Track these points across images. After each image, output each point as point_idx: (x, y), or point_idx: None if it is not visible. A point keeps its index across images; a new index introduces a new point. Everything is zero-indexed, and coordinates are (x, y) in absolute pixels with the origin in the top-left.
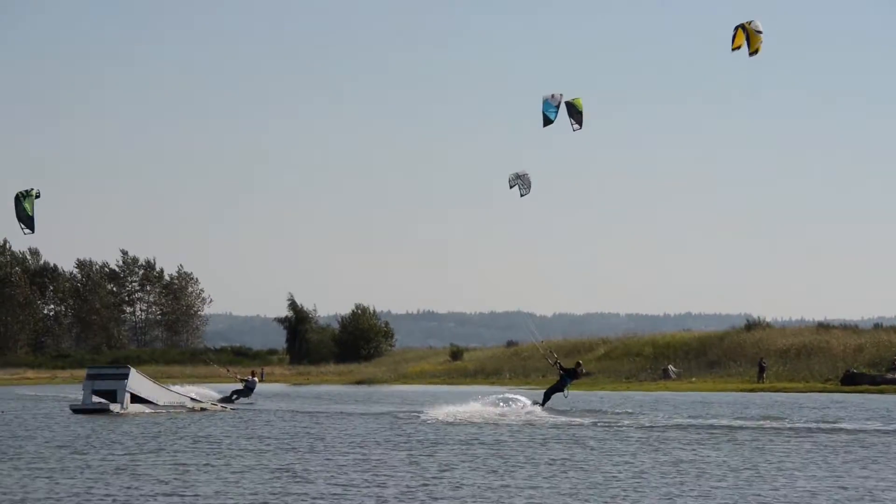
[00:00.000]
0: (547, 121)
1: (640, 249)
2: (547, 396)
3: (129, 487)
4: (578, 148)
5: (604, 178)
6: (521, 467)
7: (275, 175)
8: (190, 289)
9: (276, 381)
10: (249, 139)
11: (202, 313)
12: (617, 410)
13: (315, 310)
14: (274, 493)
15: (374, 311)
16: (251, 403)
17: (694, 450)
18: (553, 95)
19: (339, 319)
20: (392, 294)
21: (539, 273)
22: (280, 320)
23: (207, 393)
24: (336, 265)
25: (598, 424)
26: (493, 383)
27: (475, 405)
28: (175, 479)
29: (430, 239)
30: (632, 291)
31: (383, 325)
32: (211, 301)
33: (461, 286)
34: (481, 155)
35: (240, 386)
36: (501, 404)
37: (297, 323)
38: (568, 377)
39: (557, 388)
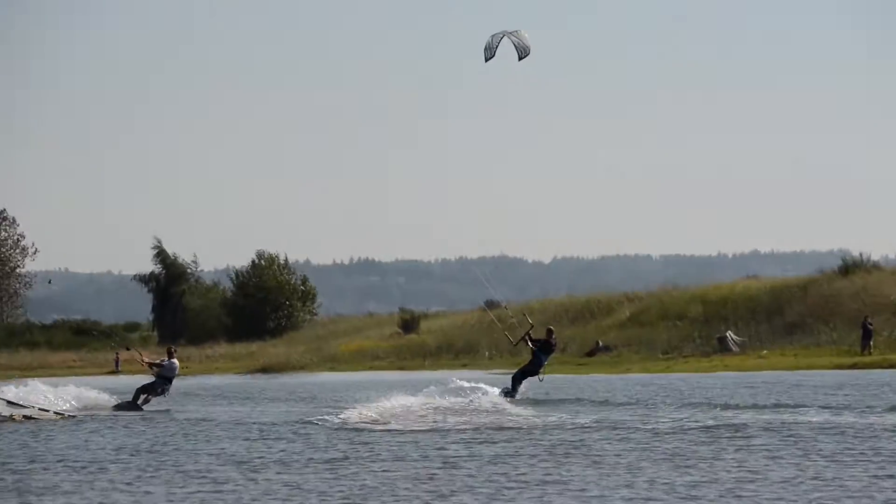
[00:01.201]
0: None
1: (681, 161)
2: (517, 382)
3: None
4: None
5: (622, 58)
6: None
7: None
8: (3, 234)
9: (137, 372)
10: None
11: (23, 271)
12: (645, 400)
13: (196, 262)
14: None
15: (286, 262)
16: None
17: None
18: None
19: (233, 275)
20: (312, 236)
21: (530, 201)
22: (142, 278)
23: (97, 398)
24: (228, 197)
25: (607, 426)
26: (465, 366)
27: (415, 399)
28: None
29: (367, 156)
30: (669, 223)
31: (299, 283)
32: (36, 252)
33: (413, 224)
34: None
35: (149, 378)
36: (453, 396)
37: (169, 282)
38: (543, 353)
39: (530, 370)
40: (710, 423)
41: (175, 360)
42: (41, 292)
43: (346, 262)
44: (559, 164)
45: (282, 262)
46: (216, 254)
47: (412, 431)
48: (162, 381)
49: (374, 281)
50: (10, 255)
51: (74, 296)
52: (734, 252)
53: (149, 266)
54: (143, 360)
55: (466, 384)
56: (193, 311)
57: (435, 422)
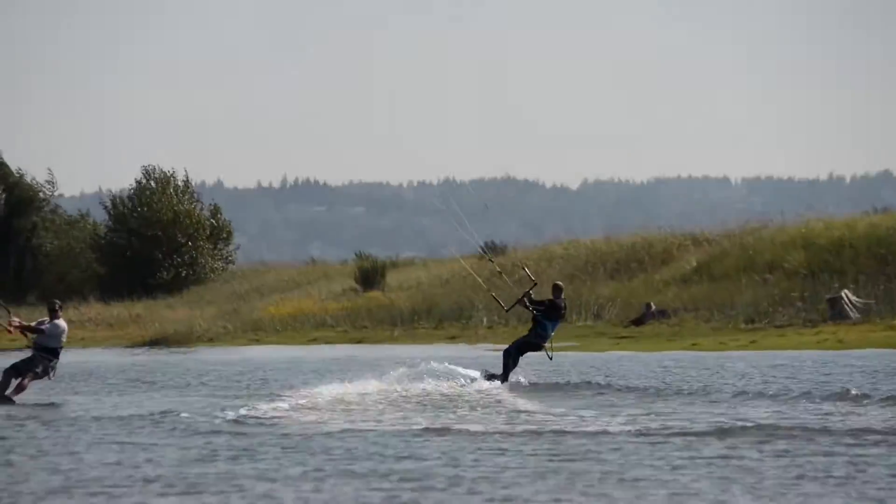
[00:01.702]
0: None
1: (773, 39)
2: (510, 360)
3: None
4: None
5: None
6: None
7: None
8: None
9: None
10: None
11: None
12: (718, 388)
13: (53, 184)
14: None
15: (187, 184)
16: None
17: None
18: None
19: (108, 203)
20: (226, 148)
21: (550, 97)
22: None
23: None
24: (97, 95)
25: (664, 432)
26: (453, 339)
27: (355, 387)
28: None
29: (310, 30)
30: (756, 132)
31: (207, 215)
32: None
33: (377, 131)
34: None
35: (26, 353)
36: (419, 382)
37: (12, 212)
38: (547, 319)
39: (531, 342)
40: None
41: (61, 322)
42: None
43: (278, 184)
44: (592, 39)
45: (181, 183)
46: (83, 172)
47: (344, 432)
48: (43, 356)
49: (318, 213)
50: None
51: None
52: (853, 174)
53: None
54: (10, 325)
55: (439, 365)
56: (49, 255)
57: (379, 421)
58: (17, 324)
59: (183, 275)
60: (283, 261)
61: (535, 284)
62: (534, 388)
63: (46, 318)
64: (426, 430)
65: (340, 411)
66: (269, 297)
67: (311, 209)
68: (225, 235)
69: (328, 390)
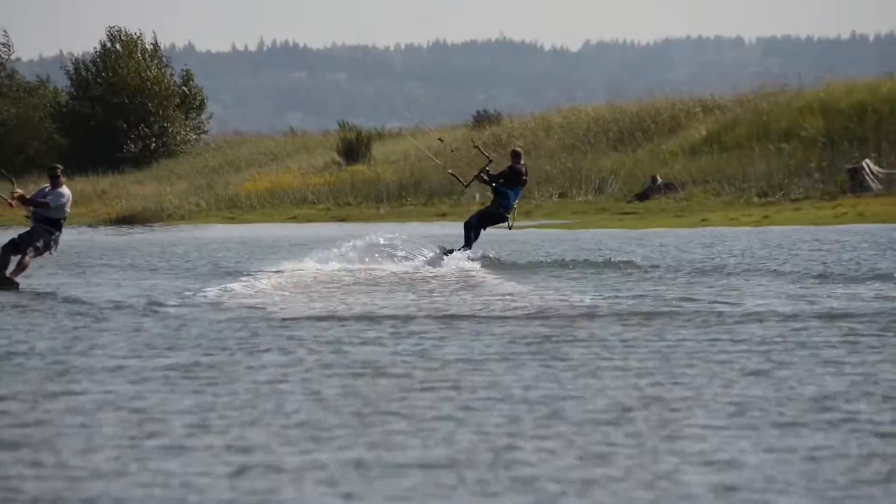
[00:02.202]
0: None
1: None
2: (472, 233)
3: None
4: None
5: None
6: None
7: None
8: None
9: None
10: None
11: None
12: (722, 264)
13: (7, 46)
14: None
15: (156, 47)
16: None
17: None
18: None
19: (69, 68)
20: (196, 7)
21: None
22: None
23: None
24: None
25: (658, 308)
26: (444, 216)
27: (314, 264)
28: None
29: None
30: None
31: (178, 81)
32: None
33: None
34: None
35: (24, 227)
36: (368, 258)
37: None
38: (509, 188)
39: (494, 213)
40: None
41: (65, 189)
42: None
43: (254, 48)
44: None
45: (149, 46)
46: (42, 34)
47: (294, 320)
48: (45, 228)
49: (297, 79)
50: None
51: None
52: (878, 33)
53: None
54: (11, 197)
55: (384, 240)
56: (5, 124)
57: (334, 307)
58: (19, 195)
59: (152, 147)
60: (260, 131)
61: (490, 162)
62: (513, 267)
63: (47, 186)
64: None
65: (304, 295)
66: (246, 172)
67: (289, 75)
68: (197, 104)
69: (290, 270)
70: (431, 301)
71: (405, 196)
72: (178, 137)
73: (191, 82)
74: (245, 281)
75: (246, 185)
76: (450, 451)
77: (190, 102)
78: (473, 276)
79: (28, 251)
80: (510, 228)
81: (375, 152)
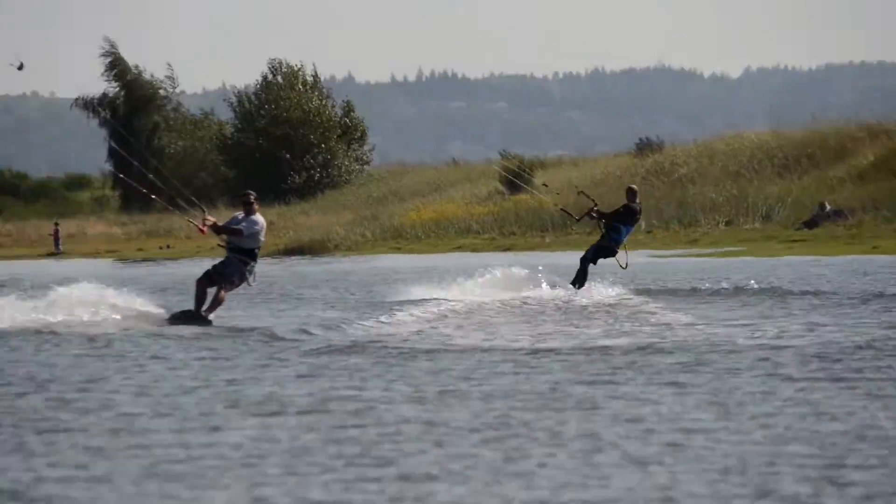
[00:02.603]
0: None
1: None
2: (584, 268)
3: None
4: None
5: None
6: None
7: None
8: None
9: (93, 254)
10: None
11: None
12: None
13: (173, 79)
14: None
15: (316, 79)
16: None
17: None
18: None
19: (233, 100)
20: (356, 38)
21: None
22: (88, 104)
23: (129, 302)
24: None
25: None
26: None
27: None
28: None
29: None
30: None
31: (339, 112)
32: None
33: (518, 18)
34: None
35: (220, 255)
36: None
37: (133, 111)
38: (622, 224)
39: (604, 246)
40: None
41: (259, 218)
42: None
43: (413, 78)
44: None
45: (309, 77)
46: (205, 68)
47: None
48: (239, 259)
49: (457, 109)
50: None
51: None
52: None
53: (99, 85)
54: (203, 225)
55: (523, 272)
56: (174, 157)
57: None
58: (212, 223)
59: (316, 178)
60: (422, 161)
61: (596, 204)
62: (670, 294)
63: (240, 213)
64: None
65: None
66: (409, 202)
67: (449, 104)
68: (359, 135)
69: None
70: (608, 331)
71: (570, 225)
72: (342, 168)
73: (352, 113)
74: (402, 312)
75: (410, 215)
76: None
77: (351, 133)
78: (645, 309)
79: (224, 285)
80: (624, 268)
81: (540, 181)
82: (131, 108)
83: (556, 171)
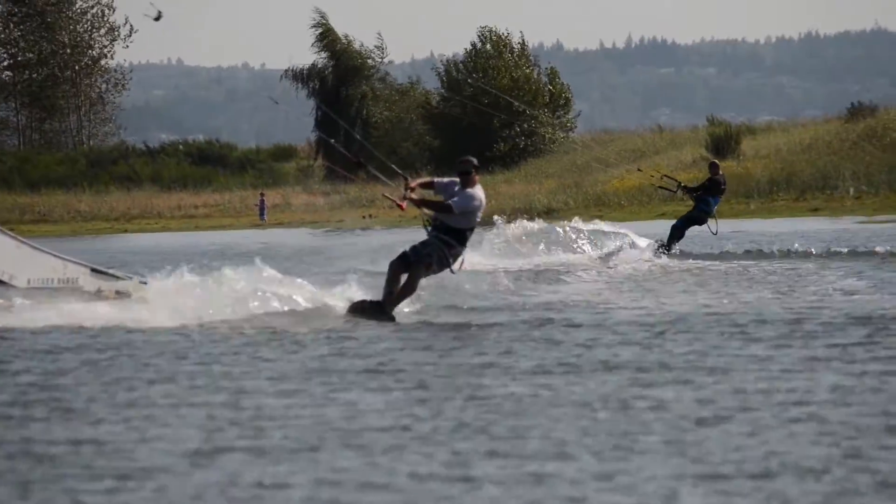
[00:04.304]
0: None
1: None
2: (676, 233)
3: None
4: None
5: None
6: None
7: None
8: (79, 4)
9: (296, 223)
10: None
11: (111, 63)
12: None
13: (382, 49)
14: None
15: (523, 47)
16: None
17: None
18: None
19: (440, 69)
20: (565, 5)
21: None
22: (297, 75)
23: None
24: None
25: None
26: (815, 210)
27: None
28: None
29: None
30: None
31: (545, 80)
32: (131, 35)
33: None
34: None
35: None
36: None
37: (341, 81)
38: (710, 195)
39: (695, 216)
40: None
41: (477, 191)
42: (138, 98)
43: (621, 44)
44: None
45: (517, 46)
46: (413, 37)
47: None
48: (445, 240)
49: (665, 75)
50: (89, 36)
51: (190, 104)
52: None
53: (307, 57)
54: (403, 198)
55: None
56: (381, 127)
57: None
58: (416, 197)
59: (520, 147)
60: (628, 128)
61: (679, 183)
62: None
63: (455, 179)
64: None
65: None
66: (613, 169)
67: (657, 71)
68: (563, 102)
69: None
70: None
71: (776, 191)
72: (546, 137)
73: (557, 80)
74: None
75: (614, 182)
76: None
77: (556, 101)
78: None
79: (420, 269)
80: (714, 234)
81: (745, 147)
82: (340, 78)
83: (765, 136)
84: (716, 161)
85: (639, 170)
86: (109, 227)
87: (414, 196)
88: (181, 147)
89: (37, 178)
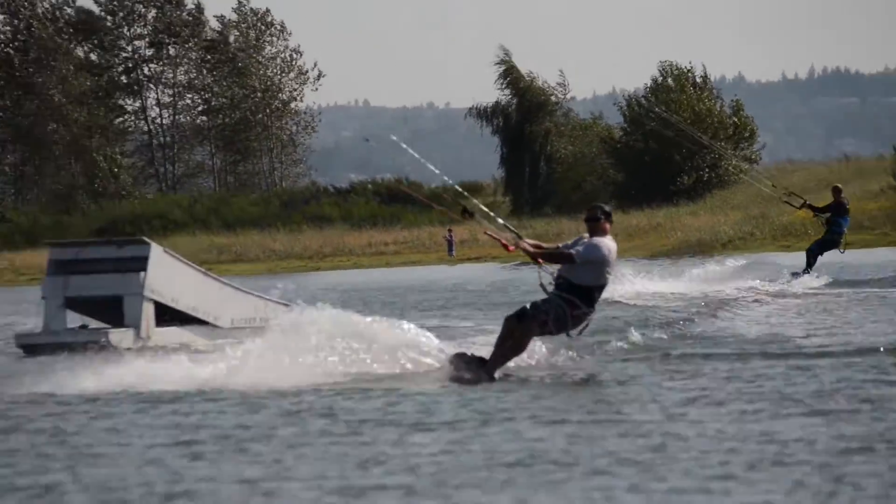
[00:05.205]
0: None
1: None
2: (812, 258)
3: None
4: None
5: None
6: None
7: None
8: (269, 48)
9: (485, 258)
10: None
11: (300, 105)
12: None
13: (564, 86)
14: None
15: (706, 80)
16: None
17: None
18: None
19: (622, 103)
20: (745, 37)
21: None
22: (482, 112)
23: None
24: None
25: None
26: None
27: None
28: None
29: None
30: None
31: (729, 112)
32: (320, 78)
33: None
34: None
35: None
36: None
37: (525, 118)
38: (839, 217)
39: (829, 239)
40: None
41: (606, 241)
42: (328, 139)
43: (804, 76)
44: None
45: (699, 79)
46: (595, 73)
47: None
48: (567, 298)
49: (848, 105)
50: (279, 80)
51: (377, 143)
52: None
53: (491, 94)
54: (518, 245)
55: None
56: (565, 162)
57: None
58: (530, 246)
59: (704, 179)
60: (812, 158)
61: (805, 201)
62: None
63: (585, 235)
64: None
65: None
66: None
67: (841, 101)
68: (748, 134)
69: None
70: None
71: None
72: (730, 168)
73: (741, 111)
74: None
75: (799, 213)
76: None
77: (740, 133)
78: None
79: (532, 326)
80: (842, 252)
81: None
82: (523, 114)
83: None
84: (838, 185)
85: (773, 186)
86: (303, 265)
87: (527, 244)
88: (370, 186)
89: (232, 219)
